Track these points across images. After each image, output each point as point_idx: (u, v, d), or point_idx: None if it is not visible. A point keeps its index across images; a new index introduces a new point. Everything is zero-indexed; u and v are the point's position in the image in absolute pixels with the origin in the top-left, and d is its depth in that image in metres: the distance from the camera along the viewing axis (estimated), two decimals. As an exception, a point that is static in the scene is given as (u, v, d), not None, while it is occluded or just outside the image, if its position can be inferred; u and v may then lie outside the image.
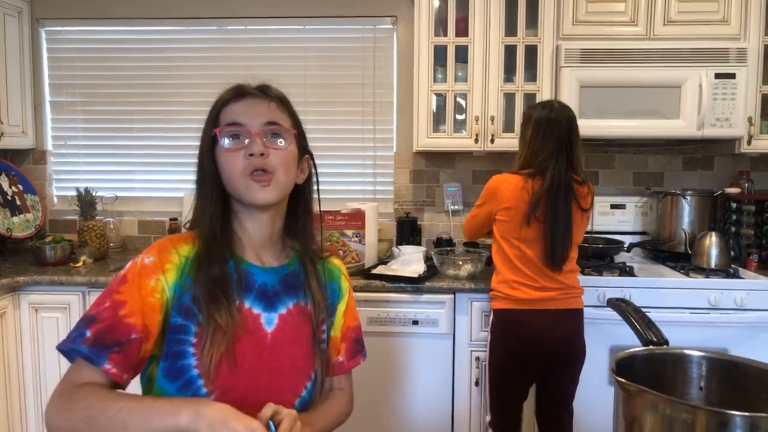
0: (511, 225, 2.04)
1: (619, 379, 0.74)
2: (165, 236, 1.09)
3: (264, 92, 1.05)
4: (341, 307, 1.19)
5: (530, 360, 2.06)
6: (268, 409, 0.91)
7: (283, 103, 1.08)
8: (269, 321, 1.05)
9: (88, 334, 0.93)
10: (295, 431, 0.92)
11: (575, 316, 2.07)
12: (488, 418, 2.18)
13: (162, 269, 1.00)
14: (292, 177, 1.07)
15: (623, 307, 0.92)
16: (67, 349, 0.93)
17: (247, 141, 1.01)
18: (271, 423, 0.90)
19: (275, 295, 1.08)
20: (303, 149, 1.11)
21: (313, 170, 1.14)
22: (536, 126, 2.05)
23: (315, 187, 1.16)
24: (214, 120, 1.04)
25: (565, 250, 2.01)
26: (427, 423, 2.49)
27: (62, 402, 0.90)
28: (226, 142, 1.02)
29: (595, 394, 2.36)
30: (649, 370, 0.82)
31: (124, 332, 0.94)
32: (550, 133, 2.01)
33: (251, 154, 1.00)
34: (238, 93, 1.05)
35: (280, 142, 1.03)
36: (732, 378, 0.80)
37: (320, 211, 1.16)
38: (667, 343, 0.85)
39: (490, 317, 2.15)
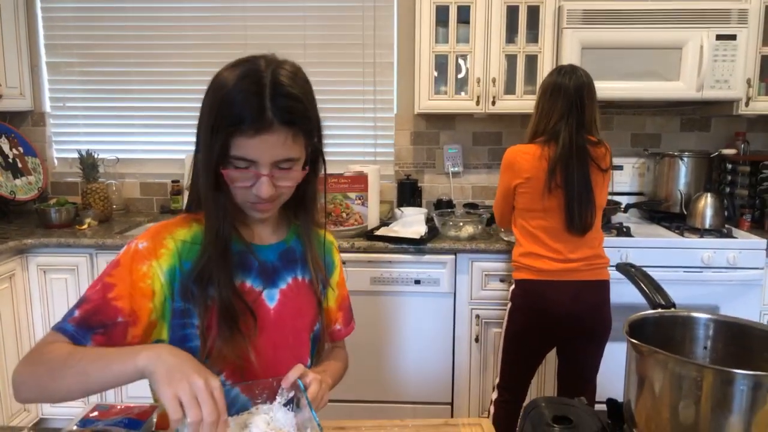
0: (533, 196, 2.00)
1: (632, 340, 0.79)
2: (158, 222, 1.07)
3: (280, 115, 0.91)
4: (335, 278, 1.23)
5: (548, 330, 2.04)
6: (296, 371, 0.96)
7: (300, 126, 0.94)
8: (271, 297, 1.08)
9: (76, 314, 0.93)
10: (322, 393, 0.98)
11: (600, 288, 2.03)
12: (497, 380, 2.19)
13: (156, 255, 0.98)
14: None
15: (632, 272, 0.98)
16: (57, 327, 0.93)
17: (254, 181, 0.95)
18: (300, 383, 0.96)
19: (274, 272, 1.09)
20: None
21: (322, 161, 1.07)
22: (544, 91, 2.03)
23: (322, 170, 1.09)
24: (222, 143, 0.92)
25: (587, 213, 1.95)
26: (429, 377, 2.59)
27: (30, 358, 0.91)
28: (233, 174, 0.95)
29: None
30: (658, 332, 0.88)
31: (110, 314, 0.93)
32: (557, 96, 1.97)
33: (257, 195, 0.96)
34: (253, 124, 0.91)
35: (288, 179, 0.99)
36: (736, 339, 0.86)
37: (325, 177, 1.11)
38: (674, 306, 0.90)
39: (512, 287, 2.13)
